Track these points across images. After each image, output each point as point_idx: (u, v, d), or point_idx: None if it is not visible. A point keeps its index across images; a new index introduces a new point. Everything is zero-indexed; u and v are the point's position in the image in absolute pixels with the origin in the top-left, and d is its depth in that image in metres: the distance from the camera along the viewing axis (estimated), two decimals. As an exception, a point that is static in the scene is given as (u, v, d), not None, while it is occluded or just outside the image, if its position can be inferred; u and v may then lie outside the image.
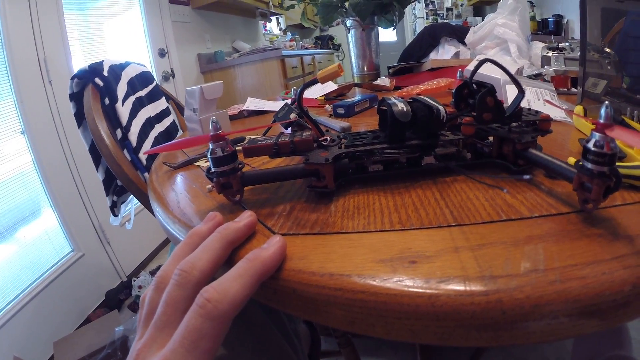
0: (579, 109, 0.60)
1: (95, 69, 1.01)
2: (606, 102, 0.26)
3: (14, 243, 1.55)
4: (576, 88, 0.83)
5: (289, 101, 0.64)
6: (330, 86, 1.02)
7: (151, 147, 1.09)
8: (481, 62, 0.39)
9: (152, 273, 1.94)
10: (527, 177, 0.34)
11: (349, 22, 1.29)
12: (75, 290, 1.71)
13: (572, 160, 0.38)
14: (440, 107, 0.35)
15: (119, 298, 1.84)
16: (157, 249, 2.30)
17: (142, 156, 1.04)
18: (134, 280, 1.86)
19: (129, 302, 1.83)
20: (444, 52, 1.49)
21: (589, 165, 0.27)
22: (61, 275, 1.65)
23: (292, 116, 0.51)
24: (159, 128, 1.18)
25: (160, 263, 2.13)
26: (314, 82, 0.36)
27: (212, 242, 0.29)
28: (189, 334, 0.23)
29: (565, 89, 0.86)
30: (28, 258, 1.58)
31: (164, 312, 0.25)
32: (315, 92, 0.94)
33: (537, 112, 0.43)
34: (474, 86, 0.39)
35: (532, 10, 3.45)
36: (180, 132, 1.31)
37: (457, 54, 1.46)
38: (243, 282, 0.25)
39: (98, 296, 1.83)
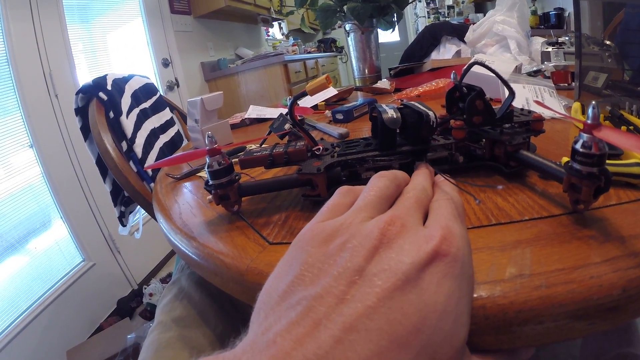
0: (576, 106, 0.60)
1: (98, 84, 1.03)
2: (593, 102, 0.26)
3: (25, 254, 1.58)
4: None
5: (284, 111, 0.65)
6: (331, 91, 1.02)
7: (156, 158, 1.11)
8: (469, 66, 0.39)
9: (163, 281, 1.96)
10: (499, 187, 0.34)
11: (348, 26, 1.30)
12: (87, 299, 1.73)
13: (565, 159, 0.38)
14: (430, 113, 0.35)
15: (131, 306, 1.87)
16: (167, 256, 2.33)
17: (148, 167, 1.06)
18: (145, 288, 1.89)
19: (140, 310, 1.85)
20: (445, 52, 1.48)
21: (578, 166, 0.26)
22: (73, 285, 1.68)
23: (287, 126, 0.52)
24: (163, 138, 1.20)
25: (170, 271, 2.15)
26: (303, 94, 0.37)
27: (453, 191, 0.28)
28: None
29: (566, 84, 0.85)
30: (40, 269, 1.61)
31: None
32: (314, 100, 0.94)
33: (530, 112, 0.42)
34: (465, 89, 0.39)
35: (534, 5, 3.43)
36: (185, 142, 1.33)
37: (458, 53, 1.45)
38: (464, 225, 0.24)
39: (110, 305, 1.86)
